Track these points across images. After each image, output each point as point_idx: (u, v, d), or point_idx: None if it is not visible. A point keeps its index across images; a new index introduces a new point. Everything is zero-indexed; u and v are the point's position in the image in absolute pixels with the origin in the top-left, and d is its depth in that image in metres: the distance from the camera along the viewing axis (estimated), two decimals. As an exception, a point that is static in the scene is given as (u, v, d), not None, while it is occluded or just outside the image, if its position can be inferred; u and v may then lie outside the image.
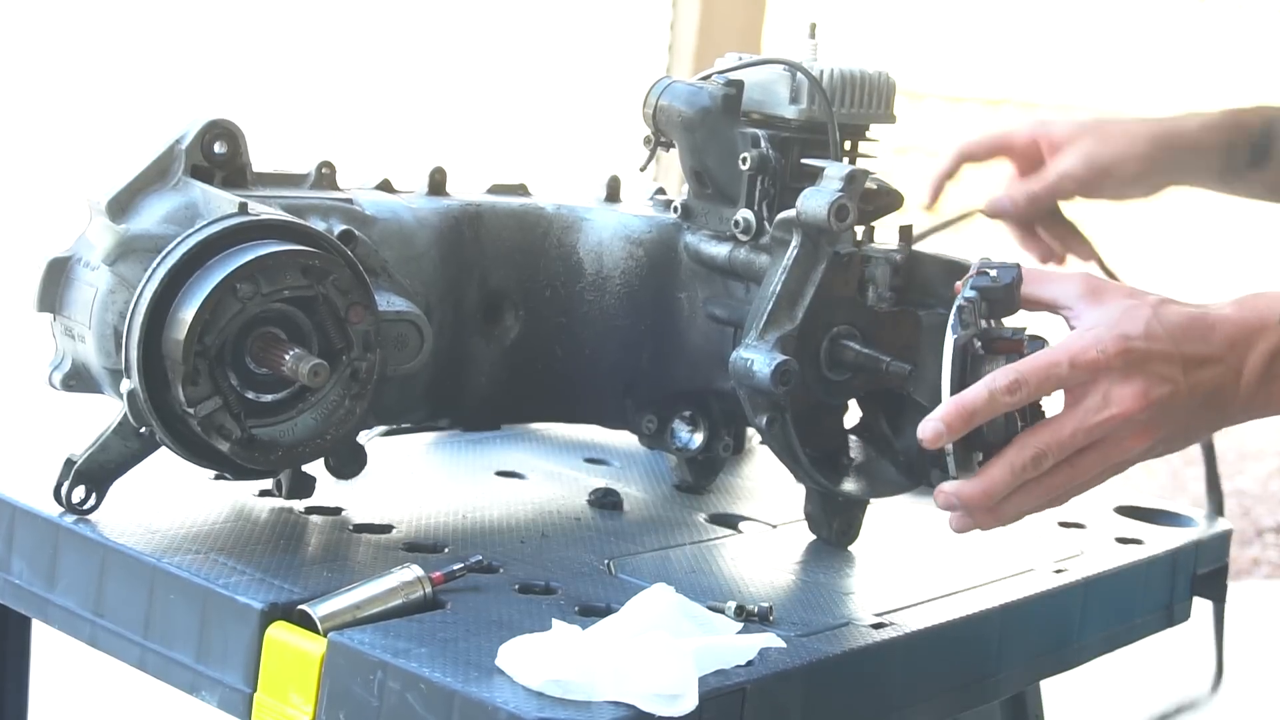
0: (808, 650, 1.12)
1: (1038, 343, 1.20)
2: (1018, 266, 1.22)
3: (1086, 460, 1.18)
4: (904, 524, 1.47)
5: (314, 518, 1.31)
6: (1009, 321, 1.24)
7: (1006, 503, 1.18)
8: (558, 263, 1.42)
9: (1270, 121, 1.56)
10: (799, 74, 1.36)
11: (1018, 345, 1.20)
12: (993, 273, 1.21)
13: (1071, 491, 1.20)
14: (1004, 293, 1.21)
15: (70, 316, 1.23)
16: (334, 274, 1.18)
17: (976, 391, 1.15)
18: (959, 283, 1.22)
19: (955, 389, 1.17)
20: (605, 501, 1.43)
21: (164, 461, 1.25)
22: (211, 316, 1.14)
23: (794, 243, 1.28)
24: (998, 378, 1.15)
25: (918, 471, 1.36)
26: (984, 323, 1.21)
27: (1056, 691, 1.68)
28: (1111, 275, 1.61)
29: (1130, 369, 1.16)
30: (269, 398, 1.19)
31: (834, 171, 1.28)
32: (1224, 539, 1.58)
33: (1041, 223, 1.63)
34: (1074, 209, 1.65)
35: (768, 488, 1.53)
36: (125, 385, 1.17)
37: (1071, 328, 1.21)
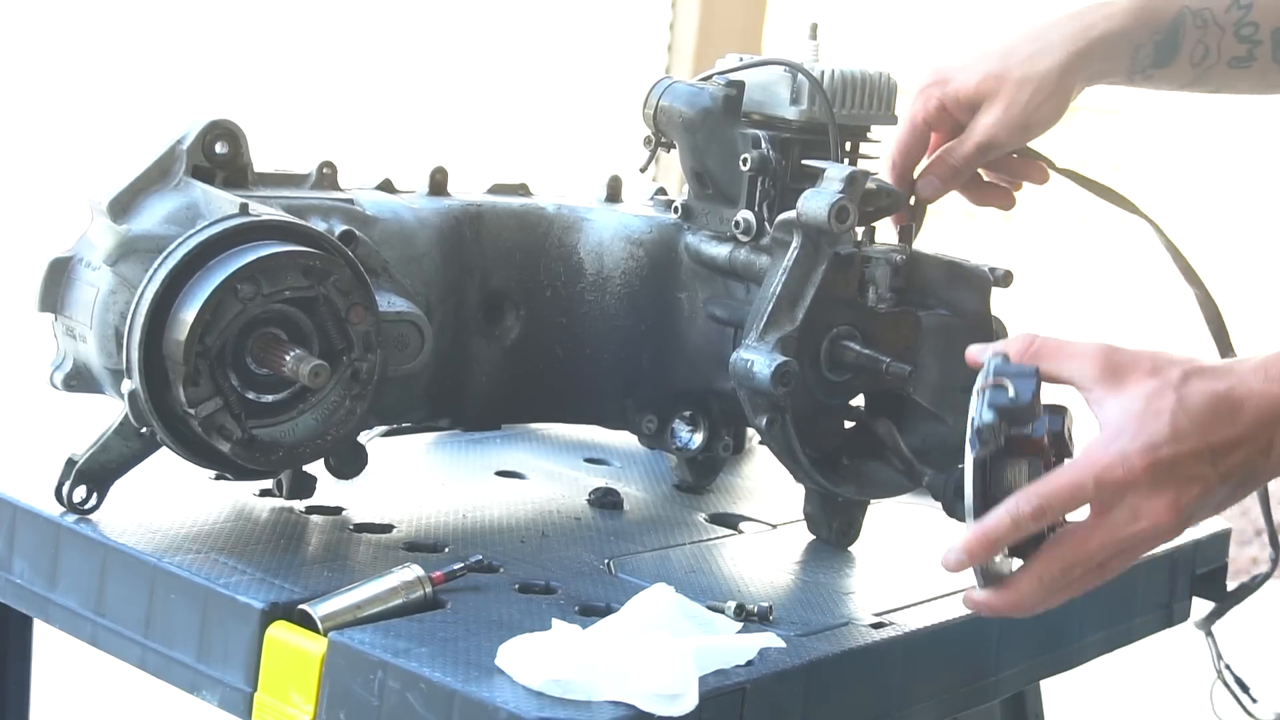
0: (808, 650, 1.13)
1: (1057, 418, 1.15)
2: (1035, 374, 1.13)
3: (1115, 563, 1.14)
4: (904, 524, 1.47)
5: (314, 517, 1.31)
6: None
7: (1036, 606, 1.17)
8: (558, 263, 1.42)
9: (1179, 16, 1.48)
10: (800, 75, 1.36)
11: (1039, 446, 1.13)
12: (1010, 389, 1.12)
13: (1099, 584, 1.18)
14: (1025, 411, 1.12)
15: (71, 316, 1.23)
16: (335, 274, 1.18)
17: (999, 519, 1.10)
18: (977, 385, 1.13)
19: (978, 508, 1.11)
20: (605, 501, 1.44)
21: (165, 461, 1.25)
22: (212, 317, 1.14)
23: (794, 243, 1.29)
24: (1021, 504, 1.10)
25: (916, 473, 1.36)
26: (1003, 439, 1.13)
27: (1056, 691, 1.68)
28: (1099, 189, 1.55)
29: (1159, 480, 1.10)
30: (270, 398, 1.19)
31: (834, 173, 1.29)
32: (1223, 538, 1.58)
33: (984, 170, 1.54)
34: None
35: (768, 488, 1.54)
36: (126, 385, 1.17)
37: (1090, 408, 1.15)
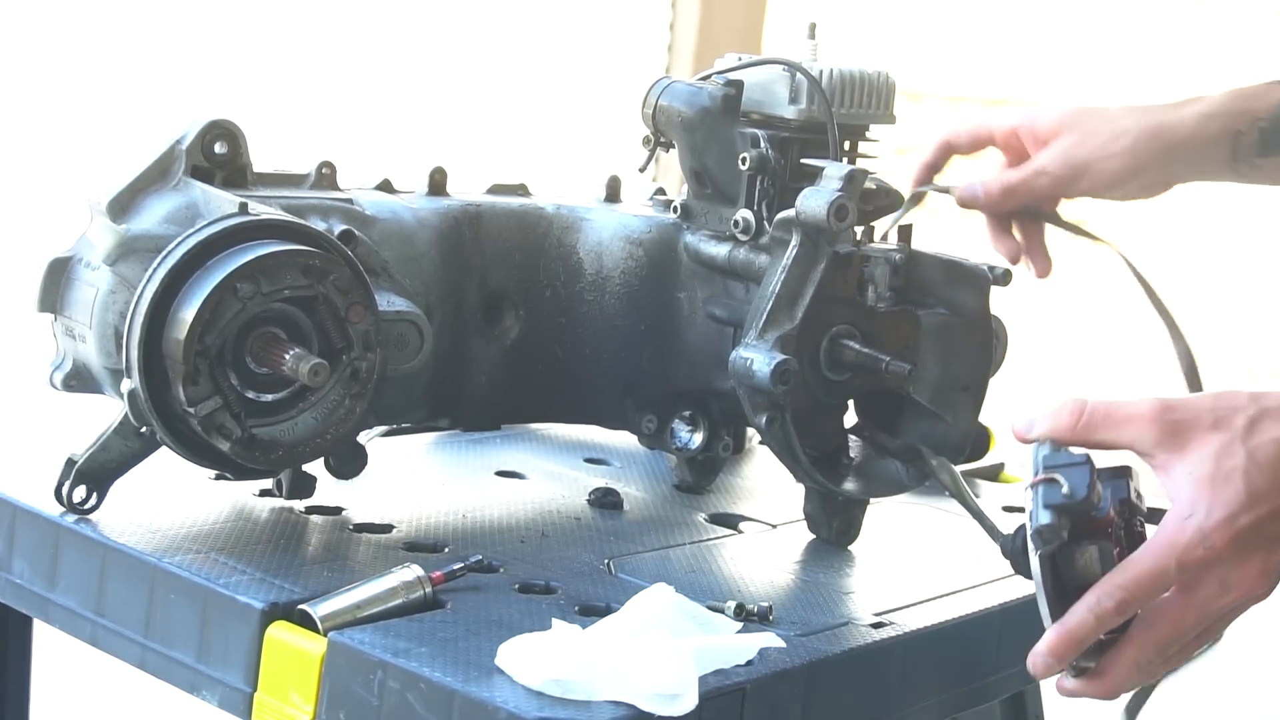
0: (807, 650, 1.13)
1: (1120, 483, 1.10)
2: (1088, 464, 1.07)
3: (1210, 631, 1.11)
4: (904, 524, 1.47)
5: (314, 517, 1.31)
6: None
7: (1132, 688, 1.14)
8: (558, 263, 1.42)
9: None
10: (798, 74, 1.36)
11: (1106, 524, 1.09)
12: (1065, 485, 1.06)
13: (1197, 651, 1.14)
14: (1083, 504, 1.06)
15: (71, 316, 1.23)
16: (334, 274, 1.18)
17: (1082, 619, 1.06)
18: (1028, 479, 1.09)
19: (1054, 607, 1.07)
20: (605, 501, 1.44)
21: (164, 461, 1.25)
22: (212, 316, 1.14)
23: (793, 242, 1.29)
24: (1103, 599, 1.05)
25: (916, 472, 1.36)
26: (1065, 534, 1.08)
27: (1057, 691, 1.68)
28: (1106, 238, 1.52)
29: (1243, 550, 1.06)
30: (269, 397, 1.19)
31: (833, 171, 1.29)
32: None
33: (1017, 219, 1.52)
34: (1074, 210, 1.60)
35: (768, 488, 1.54)
36: (126, 385, 1.17)
37: (1155, 474, 1.10)
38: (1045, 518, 1.05)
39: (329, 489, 1.33)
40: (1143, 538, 1.11)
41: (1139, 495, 1.13)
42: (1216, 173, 1.47)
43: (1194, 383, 1.39)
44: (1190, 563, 1.05)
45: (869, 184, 1.33)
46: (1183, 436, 1.07)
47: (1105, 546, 1.08)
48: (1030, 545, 1.07)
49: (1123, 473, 1.12)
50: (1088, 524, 1.08)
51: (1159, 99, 1.48)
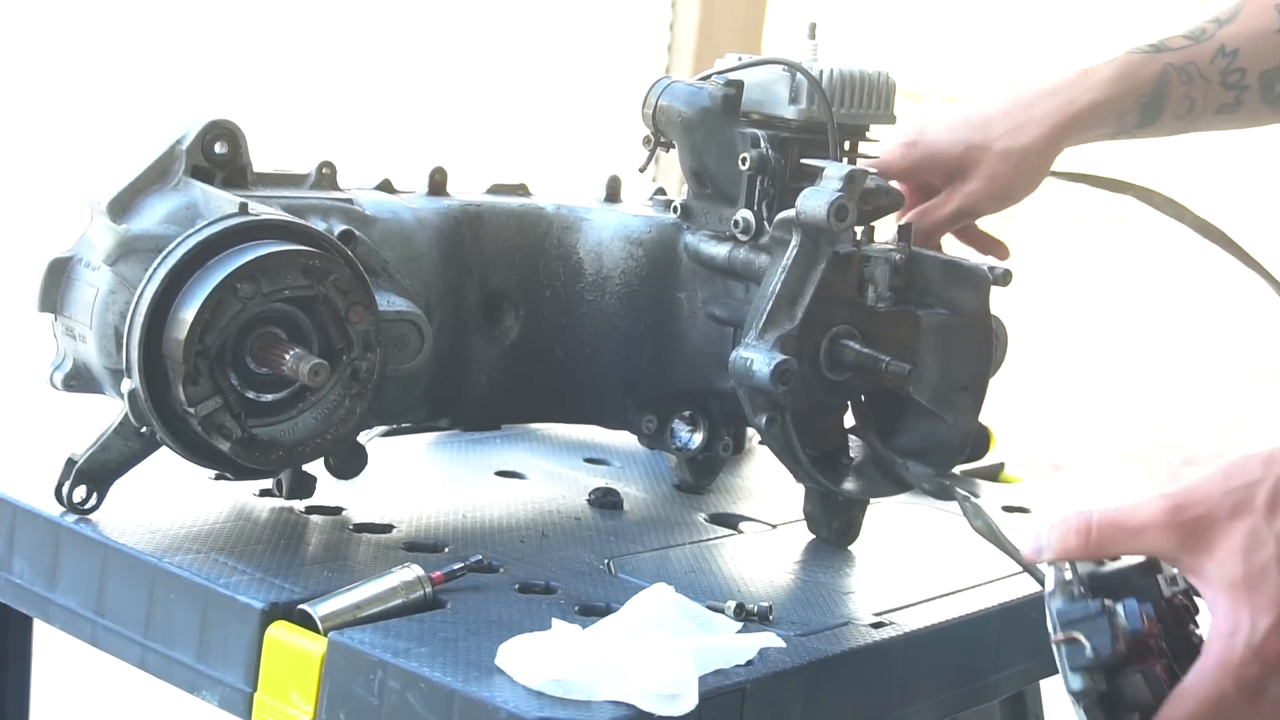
0: (807, 650, 1.13)
1: (1147, 581, 1.05)
2: (1102, 615, 1.02)
3: None
4: (904, 524, 1.47)
5: (314, 517, 1.31)
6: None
7: None
8: (558, 263, 1.42)
9: (1162, 76, 1.47)
10: (799, 74, 1.36)
11: (1144, 644, 1.04)
12: (1086, 646, 1.02)
13: None
14: (1112, 657, 1.02)
15: (71, 316, 1.23)
16: (334, 274, 1.18)
17: None
18: (1051, 635, 1.04)
19: None
20: (605, 501, 1.44)
21: (165, 461, 1.25)
22: (212, 316, 1.14)
23: (794, 242, 1.29)
24: None
25: (903, 480, 1.36)
26: (1103, 684, 1.04)
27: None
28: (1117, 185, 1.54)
29: None
30: (269, 397, 1.19)
31: (833, 171, 1.29)
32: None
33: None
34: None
35: (768, 488, 1.54)
36: (126, 385, 1.17)
37: (1185, 578, 1.06)
38: (1077, 682, 1.03)
39: (329, 489, 1.33)
40: (1189, 629, 1.08)
41: (1173, 580, 1.08)
42: (1102, 141, 1.52)
43: None
44: (1248, 680, 1.01)
45: (869, 184, 1.33)
46: (1204, 535, 1.02)
47: (1150, 672, 1.04)
48: (1071, 704, 1.04)
49: (1148, 570, 1.07)
50: (1127, 654, 1.04)
51: (1043, 72, 1.50)
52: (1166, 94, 1.49)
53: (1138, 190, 1.56)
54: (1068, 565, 1.05)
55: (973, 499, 1.28)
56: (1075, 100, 1.47)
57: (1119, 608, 1.03)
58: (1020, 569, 1.20)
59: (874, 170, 1.35)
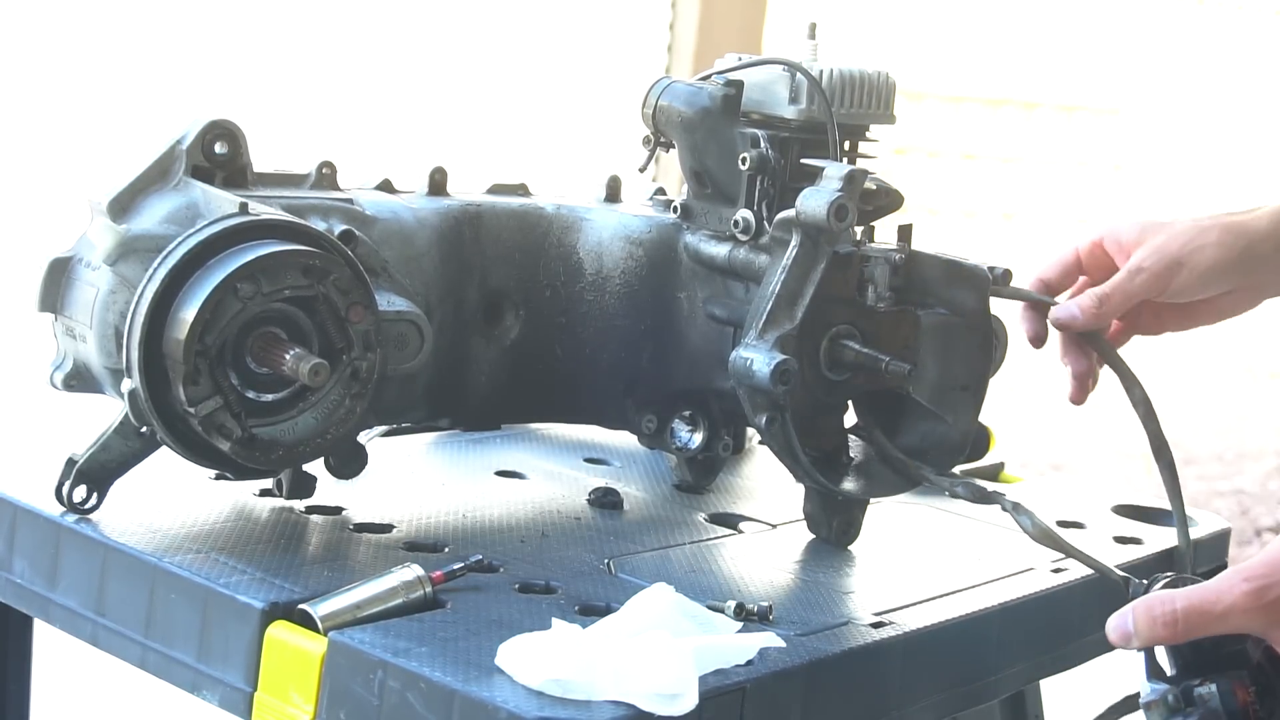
0: (807, 649, 1.13)
1: (1240, 673, 1.10)
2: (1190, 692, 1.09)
3: None
4: (904, 524, 1.47)
5: (314, 517, 1.31)
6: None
7: None
8: (558, 263, 1.42)
9: None
10: (798, 74, 1.36)
11: (1249, 709, 1.09)
12: None
13: None
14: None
15: (71, 316, 1.23)
16: (334, 274, 1.18)
17: None
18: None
19: None
20: (605, 501, 1.44)
21: (165, 461, 1.25)
22: (212, 316, 1.14)
23: (793, 242, 1.29)
24: None
25: (913, 476, 1.36)
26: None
27: (1056, 691, 1.68)
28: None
29: None
30: (269, 397, 1.19)
31: (833, 171, 1.29)
32: (1223, 539, 1.58)
33: (1091, 341, 1.47)
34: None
35: (768, 488, 1.54)
36: (126, 385, 1.17)
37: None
38: None
39: (329, 489, 1.33)
40: None
41: (1254, 641, 1.12)
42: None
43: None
44: None
45: (869, 184, 1.33)
46: None
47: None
48: None
49: (1234, 661, 1.11)
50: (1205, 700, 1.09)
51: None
52: None
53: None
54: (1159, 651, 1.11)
55: (1019, 502, 1.28)
56: (1255, 210, 1.44)
57: (1212, 691, 1.09)
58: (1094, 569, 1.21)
59: (873, 171, 1.35)
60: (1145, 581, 1.19)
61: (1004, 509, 1.28)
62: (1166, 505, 1.54)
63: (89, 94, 3.13)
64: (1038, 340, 1.46)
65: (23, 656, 1.48)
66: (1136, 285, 1.41)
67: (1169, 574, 1.18)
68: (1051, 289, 1.46)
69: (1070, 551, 1.27)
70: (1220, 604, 1.08)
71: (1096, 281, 1.45)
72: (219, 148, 1.26)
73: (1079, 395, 1.48)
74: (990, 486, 1.35)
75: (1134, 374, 1.43)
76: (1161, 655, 1.13)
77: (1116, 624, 1.11)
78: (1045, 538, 1.27)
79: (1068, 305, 1.42)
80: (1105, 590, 1.40)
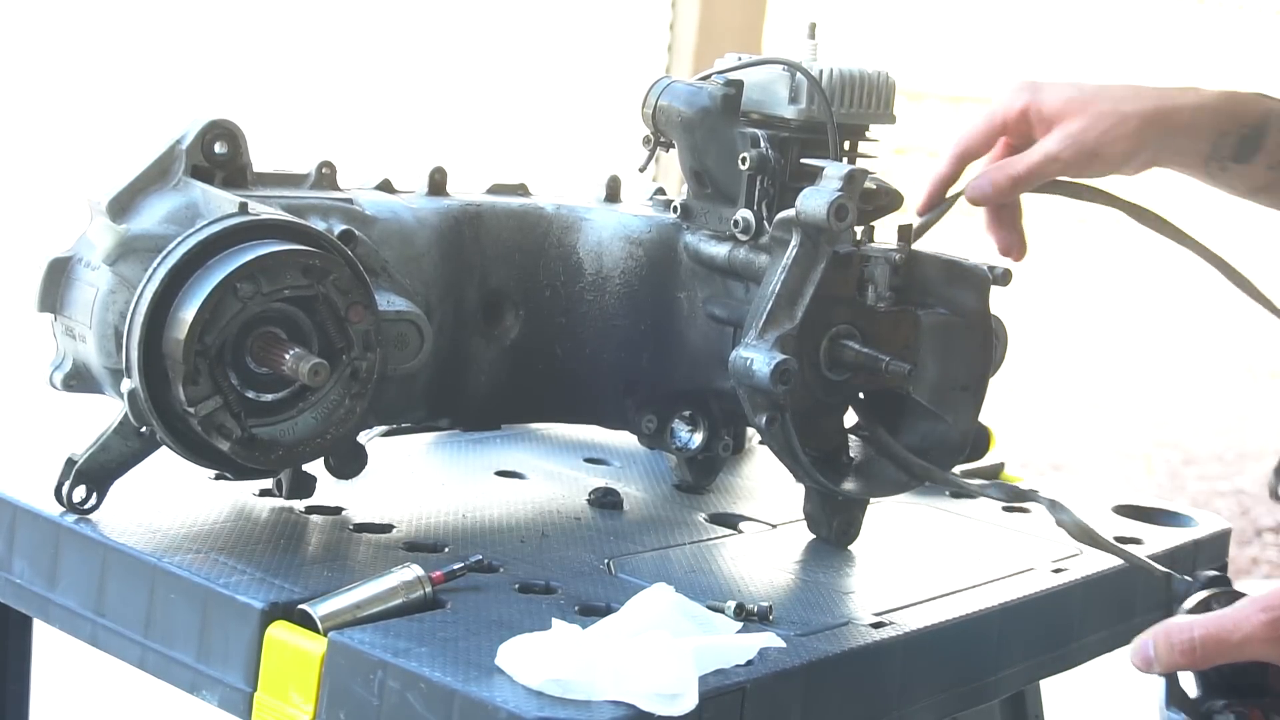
0: (807, 650, 1.13)
1: (1253, 700, 1.14)
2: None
3: None
4: (904, 524, 1.47)
5: (314, 517, 1.31)
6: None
7: None
8: (558, 263, 1.42)
9: (1266, 114, 1.47)
10: (798, 74, 1.36)
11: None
12: None
13: None
14: None
15: (71, 316, 1.23)
16: (334, 273, 1.18)
17: None
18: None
19: None
20: (605, 501, 1.44)
21: (164, 461, 1.25)
22: (212, 316, 1.14)
23: (793, 242, 1.29)
24: None
25: (919, 473, 1.36)
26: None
27: (1056, 691, 1.68)
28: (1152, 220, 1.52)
29: None
30: (269, 397, 1.19)
31: (833, 171, 1.29)
32: (1223, 538, 1.58)
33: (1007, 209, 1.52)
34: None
35: (768, 488, 1.54)
36: (126, 385, 1.17)
37: None
38: None
39: (329, 489, 1.33)
40: None
41: (1275, 671, 1.15)
42: (1191, 166, 1.50)
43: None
44: None
45: (869, 184, 1.33)
46: None
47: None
48: None
49: (1255, 689, 1.14)
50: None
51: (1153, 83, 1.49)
52: (1266, 134, 1.47)
53: (1131, 208, 1.55)
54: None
55: (1057, 501, 1.28)
56: (1182, 93, 1.47)
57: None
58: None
59: (874, 171, 1.35)
60: (1190, 578, 1.19)
61: (1043, 506, 1.28)
62: (1167, 505, 1.54)
63: (89, 94, 3.13)
64: (921, 211, 1.48)
65: (22, 656, 1.48)
66: (1050, 171, 1.45)
67: (1213, 570, 1.19)
68: (971, 154, 1.48)
69: (1111, 548, 1.27)
70: (1238, 633, 1.10)
71: (1015, 148, 1.48)
72: (219, 148, 1.26)
73: (1020, 254, 1.51)
74: (1024, 486, 1.34)
75: (1136, 204, 1.50)
76: (1187, 678, 1.15)
77: (1138, 649, 1.13)
78: (1085, 535, 1.28)
79: (981, 181, 1.45)
80: (1105, 590, 1.41)
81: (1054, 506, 1.28)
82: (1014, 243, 1.51)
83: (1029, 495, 1.31)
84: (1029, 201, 1.51)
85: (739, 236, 1.38)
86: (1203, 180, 1.51)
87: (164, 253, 1.17)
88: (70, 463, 1.23)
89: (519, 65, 3.69)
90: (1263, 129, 1.47)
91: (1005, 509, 1.54)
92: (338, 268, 1.19)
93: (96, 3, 3.15)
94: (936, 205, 1.47)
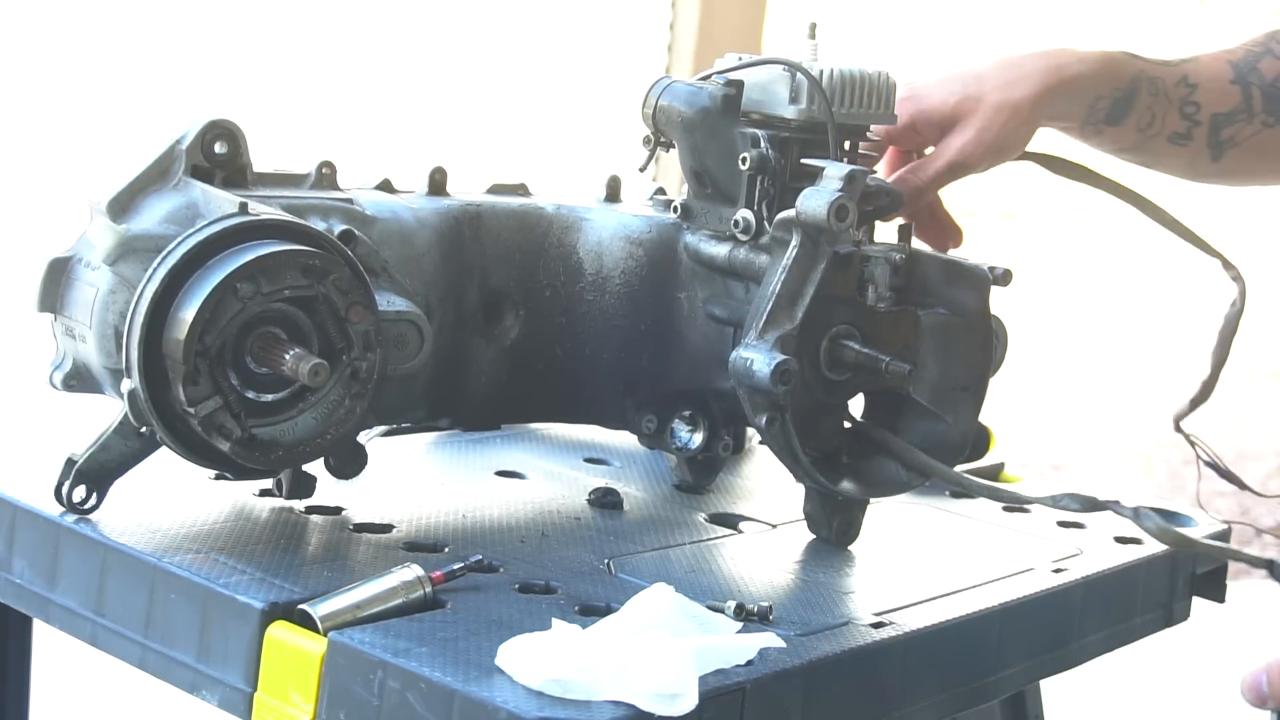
0: (807, 650, 1.13)
1: None
2: None
3: None
4: (904, 524, 1.47)
5: (314, 517, 1.31)
6: None
7: None
8: (558, 263, 1.42)
9: (1137, 76, 1.51)
10: (799, 74, 1.36)
11: None
12: None
13: None
14: None
15: (71, 316, 1.23)
16: (334, 274, 1.18)
17: None
18: None
19: None
20: (605, 501, 1.44)
21: (164, 461, 1.25)
22: (212, 316, 1.14)
23: (794, 242, 1.29)
24: None
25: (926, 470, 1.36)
26: None
27: (1056, 691, 1.68)
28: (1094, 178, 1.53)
29: None
30: (269, 397, 1.19)
31: (833, 171, 1.29)
32: (1223, 539, 1.58)
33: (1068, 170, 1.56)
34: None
35: (768, 488, 1.54)
36: (126, 385, 1.17)
37: None
38: None
39: (329, 489, 1.33)
40: None
41: None
42: (1068, 128, 1.52)
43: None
44: None
45: (869, 184, 1.33)
46: None
47: None
48: None
49: None
50: None
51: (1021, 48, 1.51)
52: (1136, 97, 1.51)
53: (1109, 184, 1.57)
54: None
55: (1140, 508, 1.26)
56: (1064, 66, 1.48)
57: None
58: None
59: (874, 171, 1.35)
60: None
61: (1121, 515, 1.26)
62: (1167, 505, 1.54)
63: (89, 94, 3.13)
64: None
65: (22, 656, 1.48)
66: (958, 174, 1.47)
67: None
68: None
69: (1207, 548, 1.27)
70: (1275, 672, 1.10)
71: (906, 151, 1.50)
72: (219, 148, 1.26)
73: (958, 240, 1.53)
74: (1102, 496, 1.30)
75: (1120, 183, 1.53)
76: None
77: (1252, 684, 1.13)
78: (1175, 540, 1.26)
79: (904, 188, 1.45)
80: (1106, 590, 1.41)
81: (1138, 515, 1.25)
82: (947, 234, 1.53)
83: (1108, 506, 1.27)
84: (1029, 198, 1.52)
85: (739, 236, 1.38)
86: (1077, 139, 1.54)
87: (164, 253, 1.17)
88: (70, 463, 1.23)
89: (519, 65, 3.69)
90: (1134, 92, 1.51)
91: (1005, 509, 1.54)
92: (338, 268, 1.19)
93: (96, 3, 3.15)
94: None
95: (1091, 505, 1.27)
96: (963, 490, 1.36)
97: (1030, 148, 1.51)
